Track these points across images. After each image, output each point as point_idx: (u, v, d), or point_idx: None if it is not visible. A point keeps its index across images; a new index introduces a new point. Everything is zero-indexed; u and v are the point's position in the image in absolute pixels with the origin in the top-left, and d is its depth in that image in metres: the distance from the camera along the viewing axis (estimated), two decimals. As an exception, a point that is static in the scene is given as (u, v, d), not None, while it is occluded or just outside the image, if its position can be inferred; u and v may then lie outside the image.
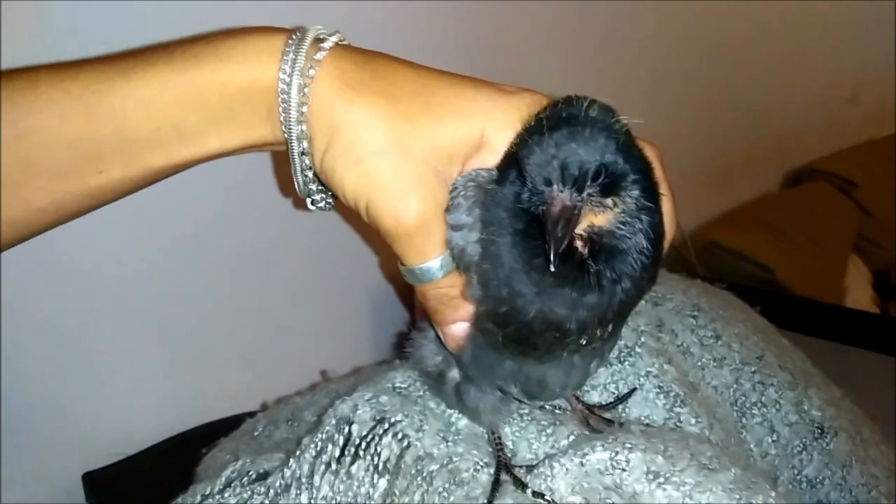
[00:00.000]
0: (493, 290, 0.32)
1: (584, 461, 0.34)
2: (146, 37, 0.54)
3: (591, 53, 0.94)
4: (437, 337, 0.39)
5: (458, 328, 0.35)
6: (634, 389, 0.43)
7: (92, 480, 0.65)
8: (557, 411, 0.44)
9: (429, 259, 0.33)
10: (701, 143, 1.17)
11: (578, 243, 0.30)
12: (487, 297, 0.32)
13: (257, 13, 0.59)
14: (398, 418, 0.39)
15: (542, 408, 0.44)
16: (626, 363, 0.44)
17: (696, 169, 1.16)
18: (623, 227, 0.30)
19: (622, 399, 0.43)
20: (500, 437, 0.41)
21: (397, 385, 0.42)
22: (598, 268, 0.30)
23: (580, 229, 0.30)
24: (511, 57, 0.80)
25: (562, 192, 0.29)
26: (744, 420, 0.46)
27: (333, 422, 0.39)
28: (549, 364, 0.36)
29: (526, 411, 0.42)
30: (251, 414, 0.59)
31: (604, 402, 0.43)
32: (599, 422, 0.42)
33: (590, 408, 0.43)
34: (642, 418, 0.42)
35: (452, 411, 0.42)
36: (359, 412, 0.39)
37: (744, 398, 0.46)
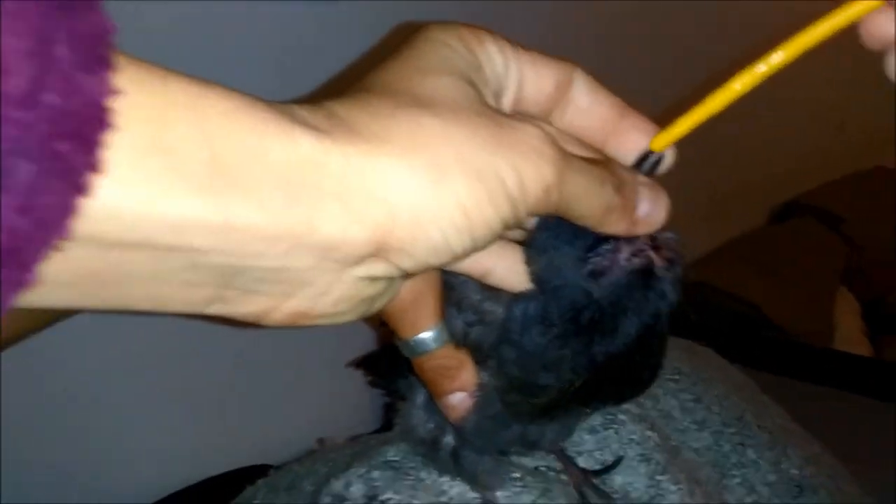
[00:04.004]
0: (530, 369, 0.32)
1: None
2: (146, 37, 0.57)
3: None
4: (426, 403, 0.40)
5: (457, 398, 0.36)
6: (622, 458, 0.45)
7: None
8: (551, 474, 0.46)
9: (422, 331, 0.34)
10: (685, 181, 1.19)
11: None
12: (520, 373, 0.33)
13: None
14: (389, 496, 0.40)
15: (536, 469, 0.46)
16: (611, 430, 0.45)
17: (683, 206, 1.18)
18: None
19: (611, 467, 0.45)
20: None
21: (390, 459, 0.43)
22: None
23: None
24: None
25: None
26: (724, 481, 0.47)
27: (328, 500, 0.41)
28: (553, 421, 0.37)
29: (518, 476, 0.44)
30: (253, 470, 0.61)
31: (589, 468, 0.45)
32: (590, 487, 0.44)
33: (585, 472, 0.45)
34: (626, 486, 0.43)
35: (444, 480, 0.43)
36: (351, 489, 0.41)
37: (724, 459, 0.48)
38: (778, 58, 0.28)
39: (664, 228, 0.30)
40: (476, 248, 0.25)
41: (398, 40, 0.27)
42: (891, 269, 1.32)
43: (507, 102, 0.28)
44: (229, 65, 0.60)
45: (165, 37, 0.57)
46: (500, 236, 0.27)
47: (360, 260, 0.23)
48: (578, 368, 0.32)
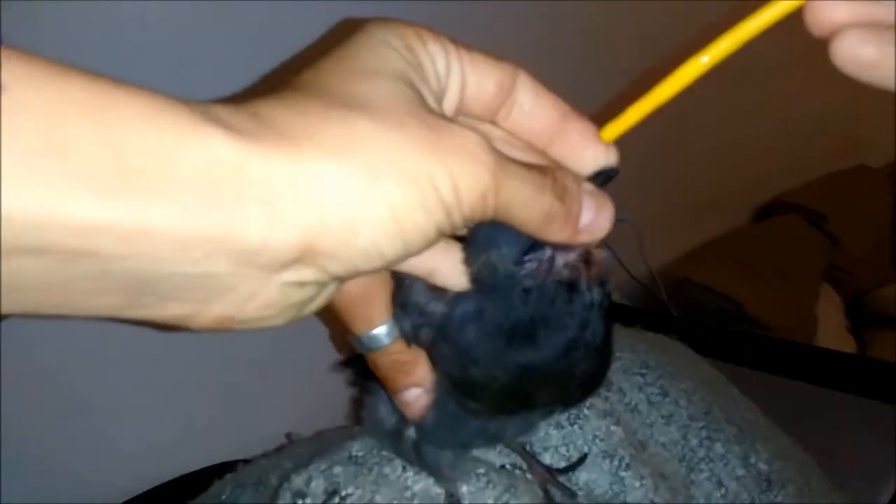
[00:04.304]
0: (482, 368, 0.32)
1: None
2: (146, 37, 0.57)
3: (562, 89, 0.96)
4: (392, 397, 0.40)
5: (413, 394, 0.35)
6: (586, 455, 0.44)
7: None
8: (516, 472, 0.46)
9: (375, 326, 0.34)
10: (670, 179, 1.19)
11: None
12: (465, 374, 0.33)
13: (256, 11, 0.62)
14: (349, 491, 0.40)
15: (502, 467, 0.46)
16: (576, 426, 0.45)
17: (666, 206, 1.19)
18: None
19: (575, 465, 0.44)
20: (458, 501, 0.42)
21: (353, 454, 0.43)
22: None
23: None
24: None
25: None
26: (692, 476, 0.47)
27: (289, 496, 0.40)
28: (512, 418, 0.37)
29: (482, 471, 0.44)
30: (226, 466, 0.61)
31: (554, 465, 0.45)
32: (555, 485, 0.44)
33: (550, 471, 0.45)
34: (590, 483, 0.43)
35: (407, 477, 0.43)
36: (312, 484, 0.40)
37: (691, 454, 0.48)
38: (725, 45, 0.28)
39: (601, 245, 0.30)
40: (409, 253, 0.24)
41: (340, 37, 0.26)
42: (873, 266, 1.32)
43: (449, 104, 0.28)
44: (172, 53, 0.60)
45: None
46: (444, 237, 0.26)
47: (286, 265, 0.22)
48: (509, 368, 0.32)
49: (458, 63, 0.27)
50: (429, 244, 0.24)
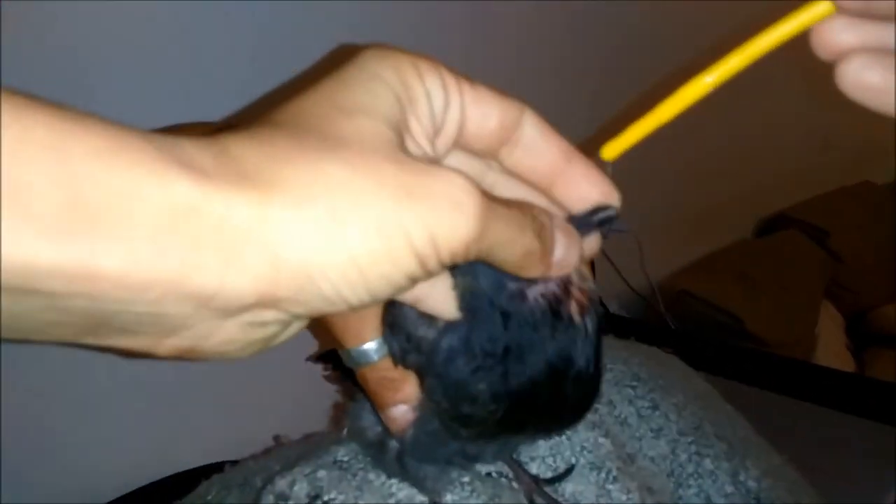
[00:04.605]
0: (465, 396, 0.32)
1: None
2: (146, 37, 0.57)
3: (562, 99, 0.96)
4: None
5: (399, 410, 0.35)
6: (573, 466, 0.44)
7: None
8: (502, 480, 0.45)
9: (365, 342, 0.34)
10: (672, 191, 1.19)
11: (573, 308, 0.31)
12: (455, 402, 0.33)
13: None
14: (332, 496, 0.40)
15: (488, 475, 0.45)
16: (564, 436, 0.45)
17: (668, 218, 1.18)
18: None
19: (562, 476, 0.44)
20: None
21: (339, 458, 0.43)
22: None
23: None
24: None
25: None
26: (680, 491, 0.47)
27: (271, 498, 0.40)
28: (492, 441, 0.37)
29: (467, 479, 0.43)
30: (214, 467, 0.60)
31: (541, 475, 0.45)
32: (541, 495, 0.44)
33: (536, 481, 0.45)
34: (576, 494, 0.43)
35: (391, 483, 0.43)
36: (295, 488, 0.40)
37: (680, 469, 0.47)
38: (729, 66, 0.28)
39: (586, 277, 0.31)
40: (378, 299, 0.23)
41: (338, 62, 0.25)
42: (875, 284, 1.32)
43: (445, 140, 0.27)
44: (168, 59, 0.61)
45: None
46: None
47: (244, 309, 0.21)
48: (498, 397, 0.31)
49: (457, 98, 0.26)
50: (400, 291, 0.24)
